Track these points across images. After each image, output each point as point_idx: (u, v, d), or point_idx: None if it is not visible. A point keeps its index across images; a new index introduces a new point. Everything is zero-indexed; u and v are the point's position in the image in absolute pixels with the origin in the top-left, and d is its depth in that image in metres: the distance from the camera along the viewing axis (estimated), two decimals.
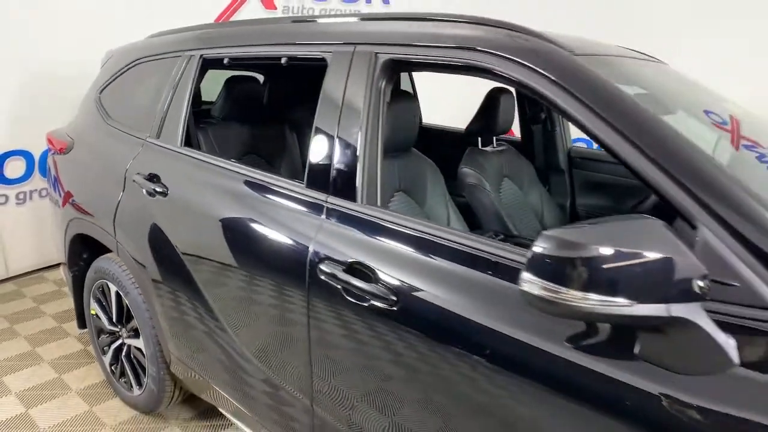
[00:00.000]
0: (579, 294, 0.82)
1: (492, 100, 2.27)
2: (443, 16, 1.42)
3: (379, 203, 1.42)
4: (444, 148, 2.46)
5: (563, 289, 0.82)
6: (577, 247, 0.82)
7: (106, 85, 2.47)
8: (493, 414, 1.11)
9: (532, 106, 2.60)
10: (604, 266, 0.82)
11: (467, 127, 2.36)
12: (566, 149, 2.60)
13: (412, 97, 1.84)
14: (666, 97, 1.49)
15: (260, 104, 2.53)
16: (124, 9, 3.75)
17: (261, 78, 3.12)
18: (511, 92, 2.28)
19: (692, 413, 0.87)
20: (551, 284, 0.83)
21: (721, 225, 0.92)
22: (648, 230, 0.85)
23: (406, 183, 1.90)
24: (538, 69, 1.15)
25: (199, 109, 2.66)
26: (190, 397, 2.34)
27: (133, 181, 2.04)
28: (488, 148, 2.37)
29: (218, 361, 1.83)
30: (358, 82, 1.45)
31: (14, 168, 3.58)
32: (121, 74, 2.40)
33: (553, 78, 1.12)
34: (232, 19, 4.49)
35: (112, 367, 2.45)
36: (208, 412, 2.38)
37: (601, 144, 1.07)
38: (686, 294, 0.83)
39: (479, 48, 1.25)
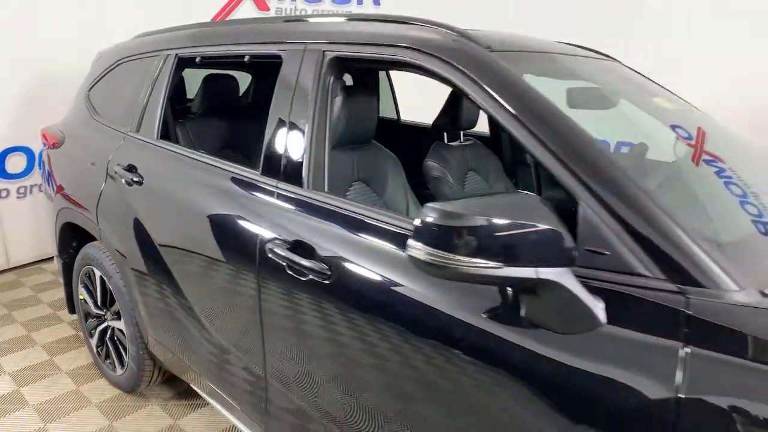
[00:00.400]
0: (458, 258, 0.93)
1: (456, 97, 2.38)
2: (380, 16, 1.54)
3: (326, 189, 1.54)
4: (421, 143, 2.58)
5: (444, 254, 0.94)
6: (457, 217, 0.94)
7: (95, 83, 2.62)
8: (416, 375, 1.22)
9: None
10: (482, 234, 0.93)
11: (433, 123, 2.47)
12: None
13: (369, 93, 1.96)
14: (591, 89, 1.60)
15: (237, 101, 2.66)
16: (123, 11, 3.90)
17: (248, 76, 3.27)
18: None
19: (567, 368, 0.98)
20: (434, 250, 0.94)
21: (598, 202, 1.03)
22: (524, 204, 0.97)
23: (365, 173, 2.02)
24: (454, 63, 1.27)
25: (183, 106, 2.80)
26: (170, 379, 2.48)
27: (114, 171, 2.18)
28: (455, 143, 2.48)
29: (189, 339, 1.96)
30: (307, 78, 1.58)
31: (15, 163, 3.75)
32: (108, 73, 2.55)
33: (465, 71, 1.24)
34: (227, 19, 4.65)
35: (98, 349, 2.59)
36: (186, 392, 2.51)
37: (505, 130, 1.18)
38: (555, 260, 0.95)
39: (407, 45, 1.37)
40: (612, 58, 2.10)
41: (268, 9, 4.87)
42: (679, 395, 0.86)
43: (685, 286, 0.93)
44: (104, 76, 2.57)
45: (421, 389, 1.21)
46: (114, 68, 2.51)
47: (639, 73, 2.07)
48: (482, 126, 2.66)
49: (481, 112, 2.50)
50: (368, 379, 1.32)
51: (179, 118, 2.42)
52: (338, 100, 1.70)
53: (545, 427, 1.01)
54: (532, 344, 1.03)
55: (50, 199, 2.78)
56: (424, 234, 0.96)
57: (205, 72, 2.60)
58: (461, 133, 2.52)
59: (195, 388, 2.21)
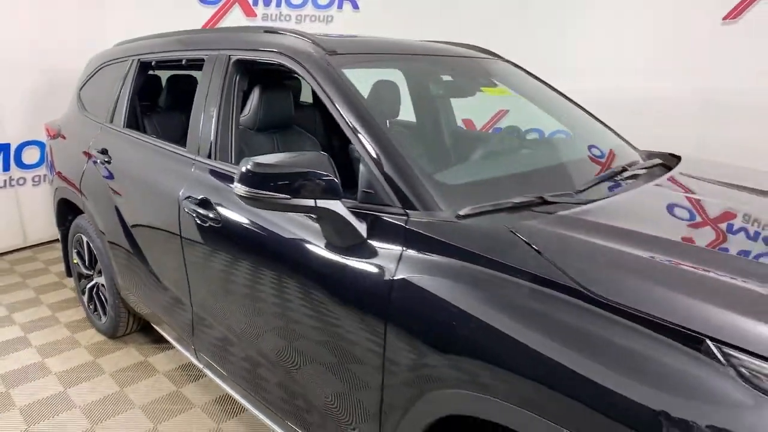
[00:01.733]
0: (265, 193, 1.40)
1: (376, 89, 2.84)
2: (268, 29, 2.02)
3: (232, 161, 2.02)
4: None
5: (254, 191, 1.41)
6: (263, 167, 1.41)
7: (84, 84, 3.18)
8: (267, 283, 1.70)
9: None
10: (278, 177, 1.40)
11: None
12: (452, 130, 3.14)
13: (284, 88, 2.44)
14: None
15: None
16: (125, 21, 4.46)
17: None
18: (394, 83, 2.85)
19: (346, 268, 1.44)
20: (248, 188, 1.41)
21: (370, 158, 1.49)
22: (314, 159, 1.43)
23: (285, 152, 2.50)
24: (302, 64, 1.74)
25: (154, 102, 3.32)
26: (145, 328, 3.03)
27: (93, 154, 2.72)
28: None
29: (144, 283, 2.48)
30: (218, 76, 2.07)
31: (30, 155, 4.35)
32: (94, 75, 3.10)
33: (308, 69, 1.71)
34: (218, 25, 5.18)
35: (89, 304, 3.15)
36: (158, 339, 3.04)
37: (332, 113, 1.64)
38: (329, 195, 1.41)
39: (279, 51, 1.85)
40: (497, 55, 2.53)
41: (255, 15, 5.40)
42: (393, 278, 1.32)
43: (409, 210, 1.39)
44: (91, 77, 3.12)
45: (269, 294, 1.69)
46: (98, 71, 3.06)
47: (521, 68, 2.50)
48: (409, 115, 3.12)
49: (402, 102, 2.99)
50: (245, 292, 1.81)
51: (148, 111, 2.95)
52: (253, 93, 2.20)
53: (336, 306, 1.47)
54: (328, 254, 1.50)
55: (50, 182, 3.36)
56: (243, 178, 1.43)
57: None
58: (387, 121, 2.98)
59: (162, 333, 2.73)
